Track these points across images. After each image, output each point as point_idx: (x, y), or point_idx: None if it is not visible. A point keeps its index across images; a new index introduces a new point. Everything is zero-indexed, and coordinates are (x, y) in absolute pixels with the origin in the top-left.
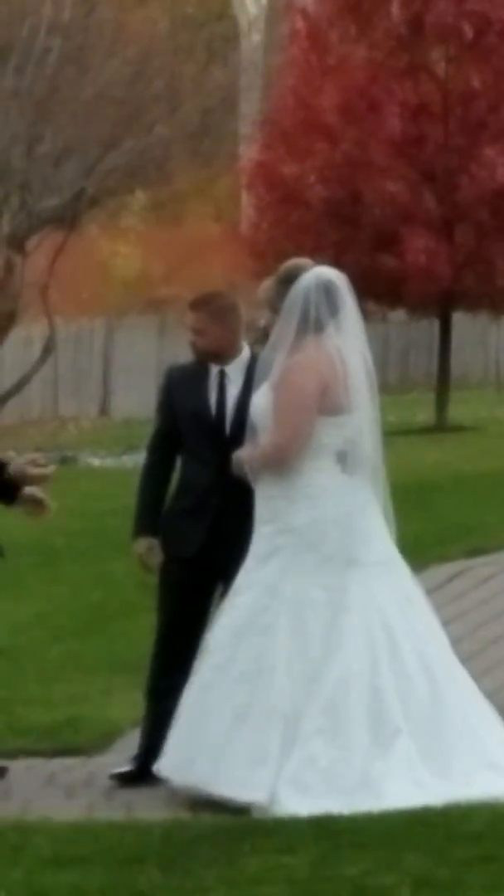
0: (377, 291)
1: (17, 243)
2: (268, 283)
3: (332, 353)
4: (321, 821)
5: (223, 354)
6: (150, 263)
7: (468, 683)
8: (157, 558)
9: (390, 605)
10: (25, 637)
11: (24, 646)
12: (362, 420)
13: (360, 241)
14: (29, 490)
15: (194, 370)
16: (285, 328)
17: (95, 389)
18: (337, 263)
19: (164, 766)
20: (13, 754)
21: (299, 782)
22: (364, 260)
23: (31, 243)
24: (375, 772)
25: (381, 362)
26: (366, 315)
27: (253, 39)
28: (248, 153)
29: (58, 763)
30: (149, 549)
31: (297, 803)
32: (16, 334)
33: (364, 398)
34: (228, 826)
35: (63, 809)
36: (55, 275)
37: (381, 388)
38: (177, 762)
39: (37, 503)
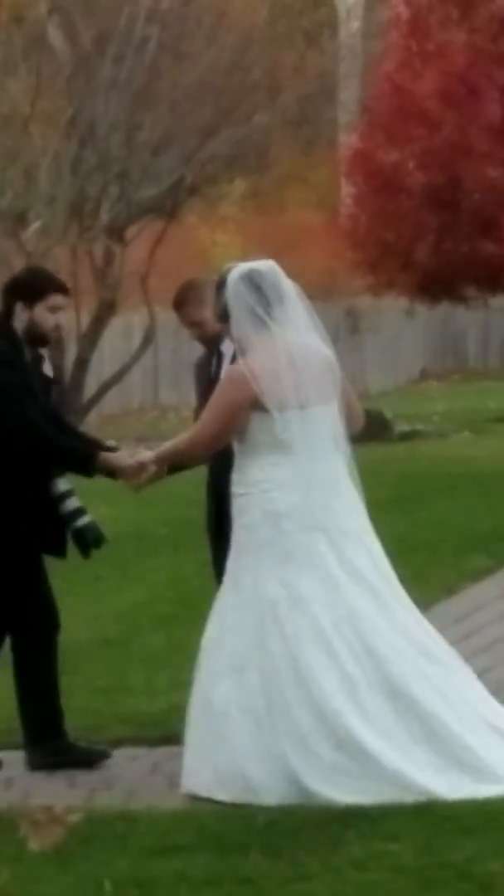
0: (477, 277)
1: (116, 233)
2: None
3: (278, 348)
4: (425, 807)
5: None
6: (249, 252)
7: (459, 674)
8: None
9: (355, 597)
10: (129, 625)
11: (128, 634)
12: (317, 412)
13: (459, 228)
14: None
15: (205, 359)
16: (231, 331)
17: None
18: (437, 250)
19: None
20: (117, 743)
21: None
22: (464, 246)
23: (130, 233)
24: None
25: (483, 348)
26: (466, 301)
27: (352, 26)
28: (347, 141)
29: (162, 752)
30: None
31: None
32: (116, 324)
33: (317, 389)
34: (333, 813)
35: (167, 798)
36: (155, 264)
37: (483, 373)
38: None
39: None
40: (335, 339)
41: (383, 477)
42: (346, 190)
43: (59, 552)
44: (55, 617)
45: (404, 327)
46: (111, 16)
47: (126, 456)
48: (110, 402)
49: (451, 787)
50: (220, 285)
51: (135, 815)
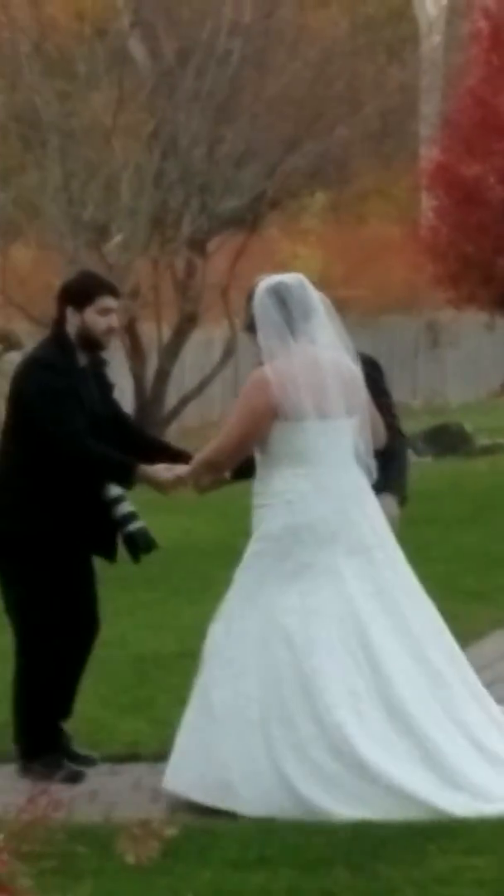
0: None
1: (197, 245)
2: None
3: (299, 360)
4: None
5: None
6: (330, 265)
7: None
8: None
9: (368, 613)
10: None
11: None
12: (338, 424)
13: None
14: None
15: None
16: (257, 342)
17: None
18: None
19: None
20: None
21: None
22: None
23: (211, 245)
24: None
25: None
26: None
27: (433, 39)
28: (429, 154)
29: None
30: None
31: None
32: (197, 336)
33: (338, 402)
34: (415, 827)
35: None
36: (236, 276)
37: None
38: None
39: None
40: (415, 353)
41: (464, 490)
42: (427, 203)
43: (108, 555)
44: (95, 623)
45: (485, 341)
46: (193, 29)
47: (164, 469)
48: (191, 415)
49: (452, 803)
50: (249, 297)
51: (218, 829)
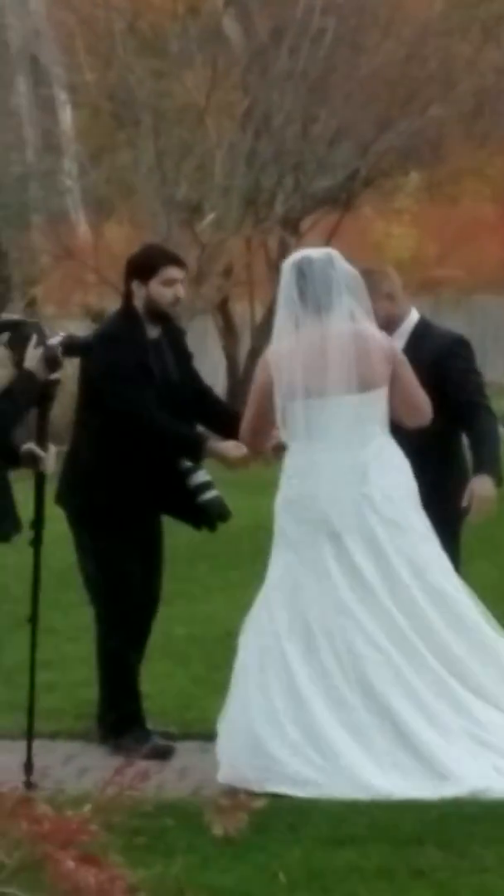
0: None
1: (291, 224)
2: None
3: (306, 338)
4: None
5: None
6: (424, 244)
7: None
8: None
9: (346, 592)
10: None
11: None
12: (340, 400)
13: None
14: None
15: None
16: (278, 312)
17: None
18: None
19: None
20: None
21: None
22: None
23: (304, 224)
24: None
25: None
26: None
27: None
28: None
29: None
30: None
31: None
32: None
33: (344, 377)
34: None
35: None
36: None
37: None
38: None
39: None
40: None
41: None
42: None
43: (191, 521)
44: (159, 595)
45: None
46: (287, 7)
47: (234, 447)
48: None
49: (413, 787)
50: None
51: (307, 807)
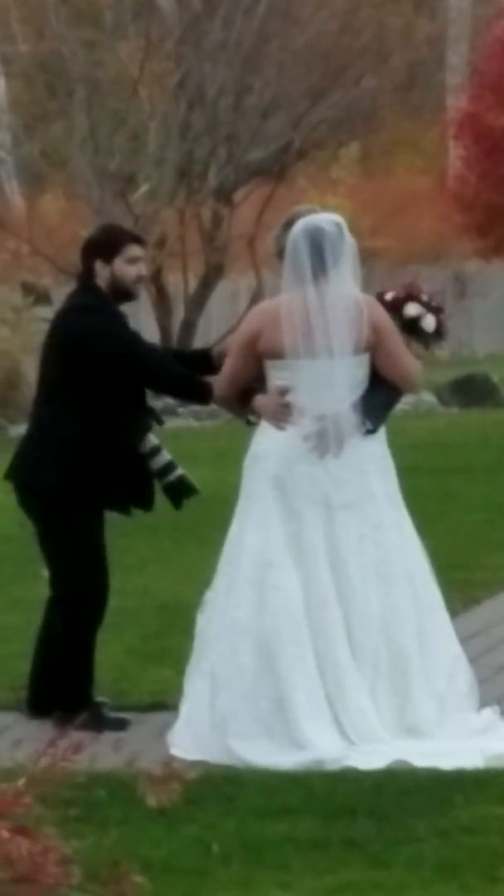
0: None
1: (224, 196)
2: (277, 231)
3: (307, 299)
4: None
5: None
6: (358, 216)
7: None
8: None
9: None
10: None
11: None
12: (312, 366)
13: None
14: None
15: None
16: (283, 274)
17: None
18: None
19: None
20: None
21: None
22: None
23: (238, 196)
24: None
25: None
26: None
27: None
28: (456, 104)
29: None
30: None
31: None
32: (223, 287)
33: (339, 341)
34: (440, 777)
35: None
36: (263, 227)
37: None
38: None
39: None
40: (442, 303)
41: (490, 441)
42: (455, 153)
43: (146, 505)
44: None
45: None
46: None
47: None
48: None
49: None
50: (287, 224)
51: (242, 778)
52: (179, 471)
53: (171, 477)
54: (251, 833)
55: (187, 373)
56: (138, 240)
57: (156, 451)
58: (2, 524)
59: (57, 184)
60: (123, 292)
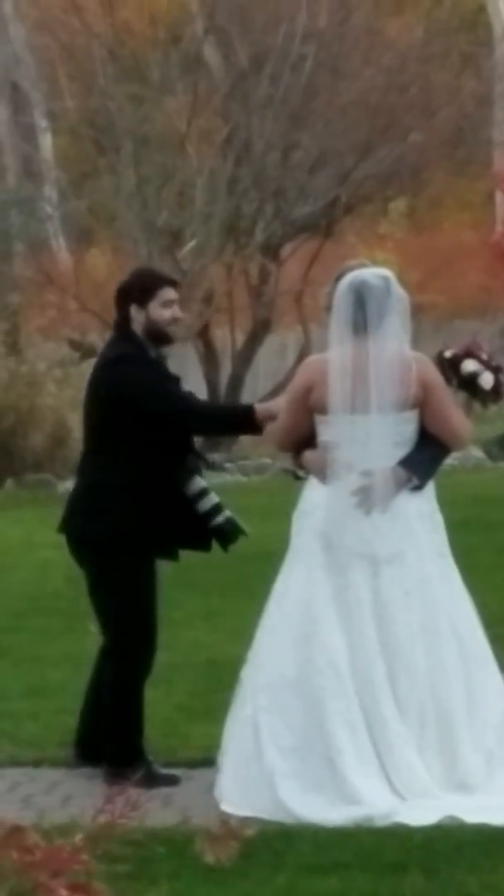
0: None
1: (271, 251)
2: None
3: (353, 355)
4: None
5: None
6: (405, 270)
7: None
8: None
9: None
10: None
11: None
12: (355, 422)
13: None
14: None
15: None
16: (330, 327)
17: None
18: None
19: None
20: None
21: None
22: None
23: (285, 251)
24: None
25: None
26: None
27: None
28: (503, 160)
29: None
30: None
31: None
32: (270, 341)
33: (383, 397)
34: (490, 832)
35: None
36: (310, 282)
37: None
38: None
39: None
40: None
41: None
42: (502, 207)
43: (203, 546)
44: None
45: None
46: (268, 34)
47: (274, 404)
48: None
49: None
50: (338, 279)
51: (293, 833)
52: (227, 513)
53: (220, 518)
54: (302, 889)
55: (224, 408)
56: (172, 282)
57: (203, 493)
58: (52, 580)
59: (104, 239)
60: (160, 336)
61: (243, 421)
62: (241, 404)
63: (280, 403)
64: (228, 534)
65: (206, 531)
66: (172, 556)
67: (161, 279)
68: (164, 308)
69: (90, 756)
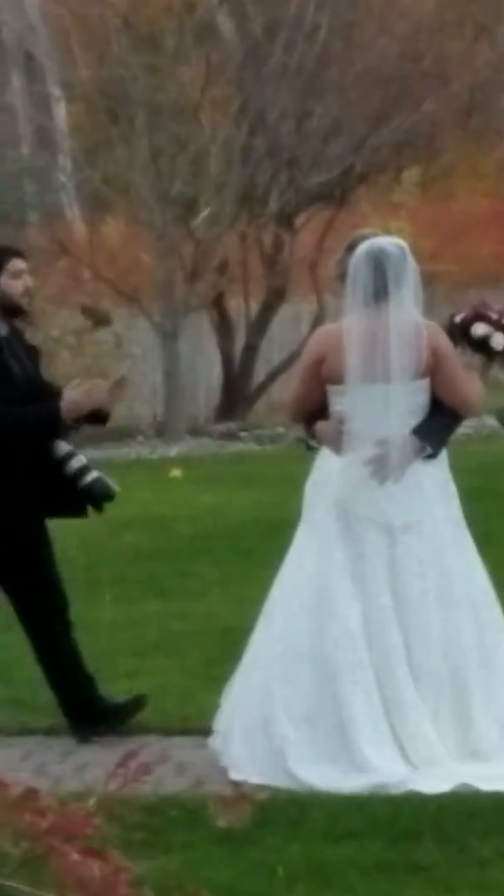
0: None
1: (285, 220)
2: (339, 255)
3: (369, 323)
4: None
5: None
6: (419, 239)
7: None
8: None
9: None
10: None
11: None
12: (389, 388)
13: None
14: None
15: None
16: (345, 297)
17: None
18: None
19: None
20: None
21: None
22: None
23: (299, 220)
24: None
25: None
26: None
27: None
28: None
29: None
30: None
31: None
32: (284, 311)
33: (399, 366)
34: None
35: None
36: (324, 251)
37: None
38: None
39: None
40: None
41: None
42: None
43: (77, 512)
44: (63, 593)
45: None
46: (281, 3)
47: (76, 391)
48: (279, 390)
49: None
50: (350, 247)
51: (307, 801)
52: (95, 473)
53: (88, 479)
54: (316, 856)
55: (28, 412)
56: (19, 253)
57: (69, 456)
58: (67, 547)
59: (118, 208)
60: (13, 307)
61: (48, 425)
62: (44, 407)
63: (75, 394)
64: (98, 494)
65: (76, 493)
66: (77, 513)
67: (8, 250)
68: (14, 279)
69: (78, 718)
